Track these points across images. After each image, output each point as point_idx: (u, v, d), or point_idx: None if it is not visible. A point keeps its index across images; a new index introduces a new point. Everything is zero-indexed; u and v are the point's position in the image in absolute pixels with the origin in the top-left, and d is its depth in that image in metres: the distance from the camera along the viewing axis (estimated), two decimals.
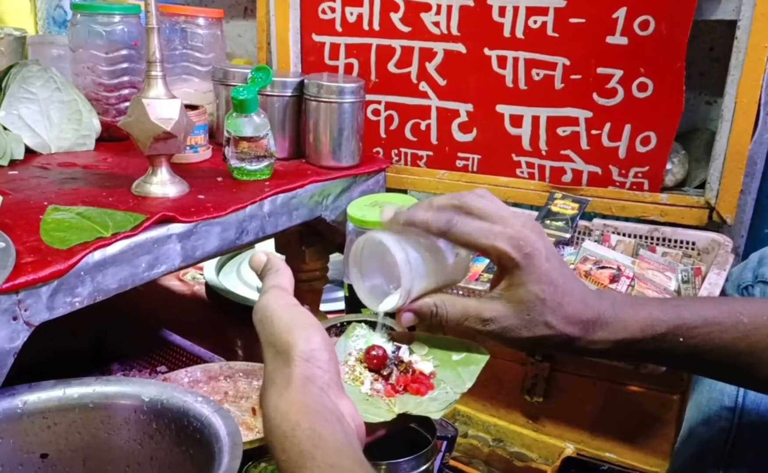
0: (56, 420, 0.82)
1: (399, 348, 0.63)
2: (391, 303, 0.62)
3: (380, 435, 0.58)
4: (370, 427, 0.55)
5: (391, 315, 0.64)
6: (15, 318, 0.74)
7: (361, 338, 0.65)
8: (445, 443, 0.87)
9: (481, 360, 0.63)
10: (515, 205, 1.28)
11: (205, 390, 1.01)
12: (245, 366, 1.06)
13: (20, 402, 0.80)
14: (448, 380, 0.61)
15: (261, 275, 0.59)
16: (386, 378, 0.61)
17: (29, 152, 1.18)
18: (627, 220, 1.20)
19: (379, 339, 0.65)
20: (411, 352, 0.64)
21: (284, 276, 0.57)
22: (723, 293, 0.90)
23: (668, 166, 1.19)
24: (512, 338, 0.59)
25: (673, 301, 0.65)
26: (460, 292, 0.96)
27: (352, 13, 1.31)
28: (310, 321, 0.53)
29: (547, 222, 1.16)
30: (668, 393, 0.93)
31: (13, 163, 1.13)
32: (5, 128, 1.16)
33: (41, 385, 0.82)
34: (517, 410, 1.05)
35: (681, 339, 0.60)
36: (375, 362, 0.61)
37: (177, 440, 0.80)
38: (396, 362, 0.62)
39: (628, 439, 0.98)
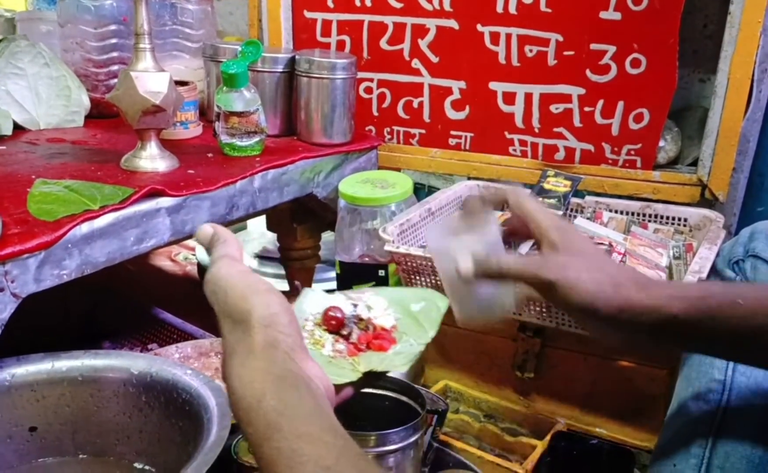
0: (45, 393, 0.82)
1: (356, 305, 0.62)
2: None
3: (348, 396, 0.56)
4: (337, 390, 0.54)
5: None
6: (2, 290, 0.73)
7: (314, 301, 0.63)
8: (435, 417, 0.87)
9: (441, 305, 0.63)
10: (508, 183, 1.27)
11: (196, 366, 1.01)
12: None
13: (8, 374, 0.80)
14: (410, 332, 0.61)
15: (209, 247, 0.57)
16: (347, 337, 0.59)
17: (18, 128, 1.17)
18: (619, 197, 1.20)
19: (335, 299, 0.63)
20: (369, 309, 0.62)
21: (233, 246, 0.56)
22: (713, 268, 0.90)
23: (661, 144, 1.19)
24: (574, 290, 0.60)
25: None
26: None
27: None
28: (267, 286, 0.52)
29: (540, 199, 1.15)
30: (658, 368, 0.93)
31: (1, 139, 1.12)
32: None
33: (30, 358, 0.82)
34: (508, 386, 1.05)
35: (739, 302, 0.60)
36: (333, 323, 0.60)
37: (166, 412, 0.80)
38: (355, 321, 0.61)
39: (619, 414, 0.98)
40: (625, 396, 0.98)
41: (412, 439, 0.77)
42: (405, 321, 0.61)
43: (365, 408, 0.81)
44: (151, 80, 0.95)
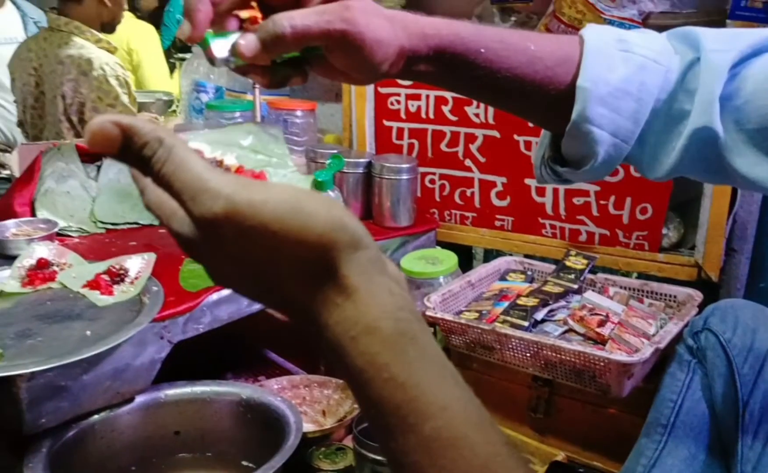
0: (186, 408, 1.15)
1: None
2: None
3: None
4: None
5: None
6: (162, 338, 1.09)
7: None
8: None
9: (275, 132, 0.60)
10: (541, 259, 1.52)
11: (288, 395, 1.32)
12: (319, 378, 1.36)
13: (163, 394, 1.14)
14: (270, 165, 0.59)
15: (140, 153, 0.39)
16: None
17: None
18: (629, 274, 1.42)
19: None
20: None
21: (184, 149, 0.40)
22: (680, 337, 1.11)
23: (664, 231, 1.40)
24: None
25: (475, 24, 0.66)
26: (462, 321, 1.22)
27: (413, 105, 1.61)
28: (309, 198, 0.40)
29: (561, 275, 1.39)
30: (637, 416, 1.15)
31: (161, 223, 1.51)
32: None
33: (177, 384, 1.15)
34: (525, 424, 1.29)
35: (482, 50, 0.61)
36: None
37: (263, 426, 1.11)
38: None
39: (610, 451, 1.19)
40: (614, 437, 1.19)
41: None
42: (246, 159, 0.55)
43: None
44: None
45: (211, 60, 0.54)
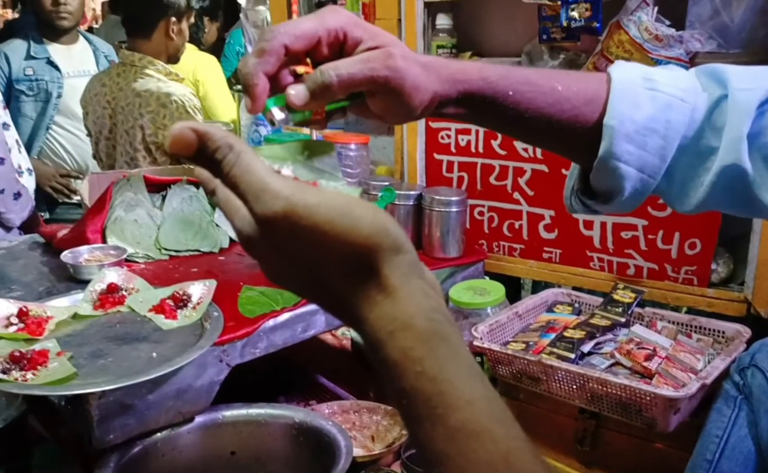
0: (242, 429, 1.20)
1: None
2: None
3: None
4: None
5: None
6: (221, 361, 1.14)
7: None
8: None
9: (325, 146, 0.62)
10: (589, 292, 1.53)
11: (339, 420, 1.35)
12: (369, 404, 1.40)
13: (220, 415, 1.19)
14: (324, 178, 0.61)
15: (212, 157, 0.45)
16: None
17: (232, 242, 1.64)
18: (677, 309, 1.41)
19: None
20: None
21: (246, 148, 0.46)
22: (727, 372, 1.11)
23: (713, 266, 1.38)
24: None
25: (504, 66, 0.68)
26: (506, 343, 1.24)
27: (463, 139, 1.65)
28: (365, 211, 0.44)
29: (609, 308, 1.40)
30: (684, 451, 1.14)
31: (221, 250, 1.59)
32: (218, 225, 1.62)
33: (233, 405, 1.20)
34: (572, 456, 1.29)
35: (510, 93, 0.64)
36: None
37: (315, 449, 1.15)
38: None
39: None
40: (660, 471, 1.19)
41: None
42: (300, 169, 0.60)
43: None
44: None
45: (272, 122, 0.60)
